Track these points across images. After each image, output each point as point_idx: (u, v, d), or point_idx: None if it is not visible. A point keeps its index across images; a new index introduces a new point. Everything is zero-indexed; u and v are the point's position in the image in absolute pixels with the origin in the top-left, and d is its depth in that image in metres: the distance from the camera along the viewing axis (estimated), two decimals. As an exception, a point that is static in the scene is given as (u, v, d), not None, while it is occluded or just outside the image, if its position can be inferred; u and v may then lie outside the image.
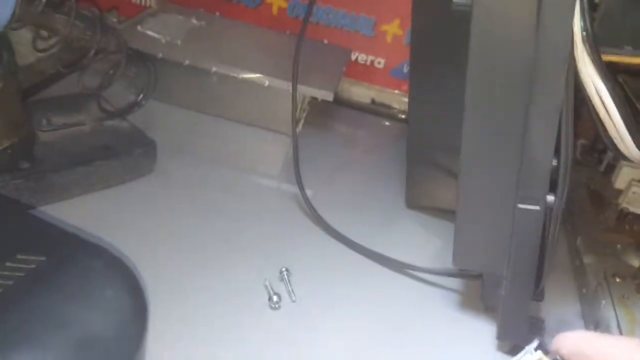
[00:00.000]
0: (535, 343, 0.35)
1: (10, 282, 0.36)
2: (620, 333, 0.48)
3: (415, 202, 0.64)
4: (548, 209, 0.42)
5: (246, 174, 0.66)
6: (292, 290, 0.52)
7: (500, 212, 0.44)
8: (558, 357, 0.33)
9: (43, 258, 0.38)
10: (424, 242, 0.60)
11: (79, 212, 0.53)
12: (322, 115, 0.76)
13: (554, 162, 0.41)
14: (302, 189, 0.60)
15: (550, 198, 0.42)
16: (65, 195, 0.54)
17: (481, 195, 0.43)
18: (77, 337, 0.35)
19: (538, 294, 0.50)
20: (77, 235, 0.41)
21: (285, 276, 0.52)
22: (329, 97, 0.68)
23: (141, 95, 0.65)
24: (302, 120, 0.73)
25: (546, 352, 0.34)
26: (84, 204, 0.55)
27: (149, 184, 0.60)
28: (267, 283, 0.52)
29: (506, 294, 0.46)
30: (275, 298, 0.50)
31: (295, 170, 0.60)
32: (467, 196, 0.44)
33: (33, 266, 0.38)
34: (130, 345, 0.37)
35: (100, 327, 0.36)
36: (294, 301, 0.51)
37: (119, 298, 0.38)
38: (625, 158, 0.40)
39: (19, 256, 0.38)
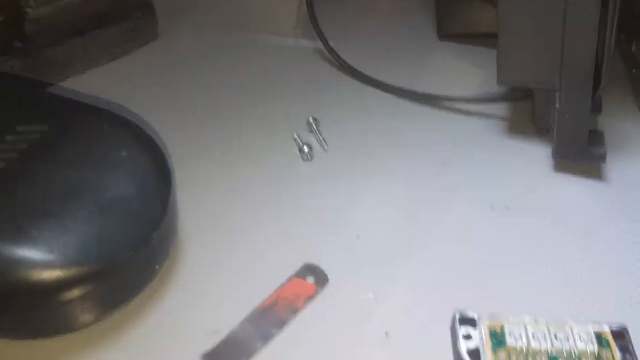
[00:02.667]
0: None
1: (14, 155, 0.33)
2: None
3: (447, 31, 0.57)
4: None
5: (259, 34, 0.60)
6: (324, 139, 0.48)
7: (549, 10, 0.38)
8: None
9: (46, 127, 0.35)
10: (461, 73, 0.55)
11: (86, 88, 0.49)
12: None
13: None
14: (321, 36, 0.55)
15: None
16: (68, 71, 0.50)
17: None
18: (94, 201, 0.32)
19: (595, 106, 0.45)
20: (81, 102, 0.38)
21: (314, 126, 0.48)
22: None
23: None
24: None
25: None
26: (90, 78, 0.51)
27: (155, 51, 0.56)
28: (296, 135, 0.48)
29: (561, 106, 0.41)
30: (305, 149, 0.46)
31: (311, 18, 0.54)
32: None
33: (37, 136, 0.34)
34: (155, 206, 0.34)
35: (119, 190, 0.33)
36: (326, 150, 0.47)
37: (136, 158, 0.34)
38: None
39: (19, 128, 0.34)
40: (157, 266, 0.35)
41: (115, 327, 0.35)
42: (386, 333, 0.36)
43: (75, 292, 0.32)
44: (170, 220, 0.35)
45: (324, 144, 0.47)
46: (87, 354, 0.34)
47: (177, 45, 0.57)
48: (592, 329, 0.33)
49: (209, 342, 0.35)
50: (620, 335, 0.33)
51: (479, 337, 0.33)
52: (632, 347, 0.33)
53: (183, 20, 0.60)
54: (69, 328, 0.34)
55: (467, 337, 0.33)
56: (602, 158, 0.43)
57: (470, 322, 0.34)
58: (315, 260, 0.39)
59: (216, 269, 0.39)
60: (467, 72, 0.55)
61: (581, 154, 0.43)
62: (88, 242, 0.32)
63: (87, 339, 0.35)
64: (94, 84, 0.51)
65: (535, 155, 0.47)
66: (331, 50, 0.55)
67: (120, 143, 0.35)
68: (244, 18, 0.63)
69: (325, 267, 0.39)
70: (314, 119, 0.49)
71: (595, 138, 0.43)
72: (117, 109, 0.38)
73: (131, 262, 0.32)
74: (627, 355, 0.32)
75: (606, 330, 0.33)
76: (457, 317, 0.34)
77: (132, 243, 0.32)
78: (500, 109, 0.50)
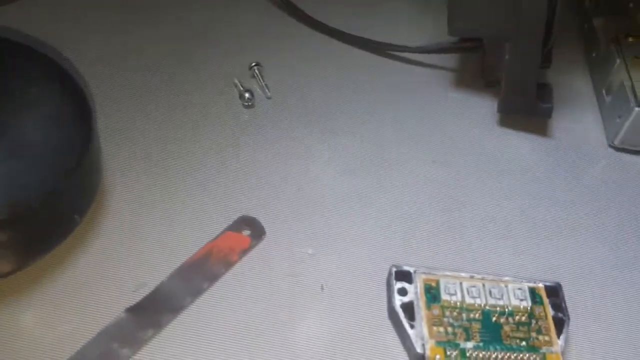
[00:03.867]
0: None
1: None
2: (635, 95, 0.43)
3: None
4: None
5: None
6: (266, 85, 0.45)
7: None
8: None
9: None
10: (410, 21, 0.53)
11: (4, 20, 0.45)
12: None
13: None
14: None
15: None
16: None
17: None
18: (4, 146, 0.29)
19: (545, 60, 0.44)
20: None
21: (257, 71, 0.46)
22: None
23: None
24: None
25: None
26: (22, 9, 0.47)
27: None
28: (237, 81, 0.45)
29: (511, 57, 0.40)
30: (247, 95, 0.44)
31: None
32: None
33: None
34: (73, 149, 0.31)
35: (32, 131, 0.30)
36: (269, 97, 0.45)
37: (54, 97, 0.31)
38: None
39: None
40: (76, 216, 0.32)
41: (35, 278, 0.33)
42: (322, 287, 0.35)
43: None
44: (89, 167, 0.32)
45: (267, 90, 0.45)
46: (5, 304, 0.32)
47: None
48: (526, 286, 0.33)
49: (135, 296, 0.33)
50: (554, 291, 0.33)
51: (413, 292, 0.33)
52: (565, 304, 0.33)
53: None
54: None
55: (402, 291, 0.33)
56: (549, 113, 0.42)
57: (406, 276, 0.33)
58: (253, 213, 0.38)
59: (145, 221, 0.37)
60: (415, 19, 0.53)
61: (528, 107, 0.42)
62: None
63: (5, 289, 0.32)
64: (17, 16, 0.47)
65: (482, 109, 0.46)
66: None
67: (36, 80, 0.31)
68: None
69: (263, 220, 0.37)
70: (257, 64, 0.46)
71: (543, 92, 0.42)
72: (36, 44, 0.34)
73: (43, 210, 0.30)
74: (559, 313, 0.32)
75: (540, 286, 0.33)
76: (393, 271, 0.34)
77: (45, 190, 0.30)
78: (450, 60, 0.49)
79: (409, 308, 0.32)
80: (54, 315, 0.32)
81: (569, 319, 0.32)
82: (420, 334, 0.31)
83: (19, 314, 0.32)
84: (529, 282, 0.34)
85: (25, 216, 0.29)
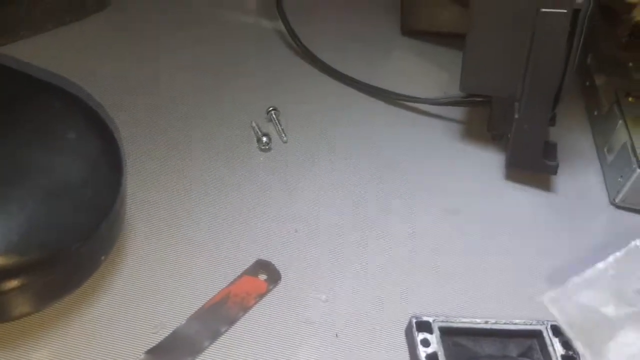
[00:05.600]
0: None
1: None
2: (635, 154, 0.45)
3: (411, 26, 0.57)
4: (575, 12, 0.36)
5: (218, 9, 0.58)
6: (283, 129, 0.47)
7: (520, 22, 0.38)
8: None
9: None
10: (422, 71, 0.55)
11: (29, 54, 0.46)
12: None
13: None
14: (285, 20, 0.53)
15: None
16: (12, 36, 0.47)
17: (499, 3, 0.37)
18: (42, 185, 0.30)
19: (551, 119, 0.46)
20: (28, 74, 0.35)
21: (274, 116, 0.47)
22: None
23: None
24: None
25: None
26: (35, 45, 0.48)
27: (106, 20, 0.53)
28: (254, 124, 0.47)
29: (521, 116, 0.42)
30: (264, 139, 0.45)
31: (277, 1, 0.53)
32: (483, 5, 0.38)
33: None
34: (105, 195, 0.32)
35: (68, 174, 0.31)
36: (285, 142, 0.46)
37: (88, 141, 0.32)
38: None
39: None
40: (103, 257, 0.33)
41: (56, 318, 0.34)
42: (336, 334, 0.36)
43: (15, 282, 0.30)
44: (119, 209, 0.33)
45: (283, 135, 0.46)
46: (25, 344, 0.33)
47: (128, 15, 0.54)
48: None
49: (154, 338, 0.34)
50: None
51: (435, 342, 0.34)
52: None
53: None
54: (6, 317, 0.32)
55: (425, 342, 0.34)
56: (554, 170, 0.44)
57: (426, 327, 0.34)
58: (268, 257, 0.39)
59: (164, 263, 0.37)
60: (426, 70, 0.55)
61: (535, 164, 0.44)
62: (32, 229, 0.30)
63: (26, 329, 0.33)
64: (38, 49, 0.48)
65: (488, 162, 0.47)
66: (293, 35, 0.53)
67: (71, 124, 0.32)
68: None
69: (279, 264, 0.38)
70: (274, 109, 0.47)
71: (549, 150, 0.44)
72: (67, 84, 0.35)
73: (77, 252, 0.31)
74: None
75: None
76: (414, 322, 0.35)
77: (79, 233, 0.31)
78: (457, 112, 0.51)
79: (433, 359, 0.33)
80: (69, 357, 0.33)
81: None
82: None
83: (33, 353, 0.32)
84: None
85: (58, 260, 0.30)
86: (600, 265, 0.31)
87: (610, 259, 0.32)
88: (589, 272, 0.31)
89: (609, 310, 0.29)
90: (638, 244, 0.32)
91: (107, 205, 0.32)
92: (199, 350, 0.34)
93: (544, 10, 0.36)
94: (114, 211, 0.33)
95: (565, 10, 0.36)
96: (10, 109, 0.33)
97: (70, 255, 0.31)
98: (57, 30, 0.50)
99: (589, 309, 0.29)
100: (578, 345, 0.28)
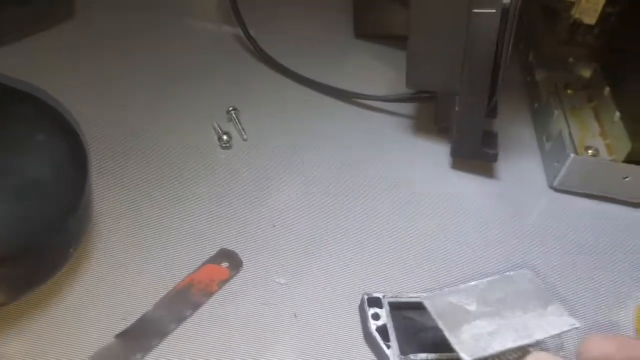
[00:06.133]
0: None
1: None
2: (572, 141, 0.48)
3: (364, 30, 0.60)
4: (504, 12, 0.40)
5: (179, 17, 0.61)
6: (242, 128, 0.49)
7: (455, 23, 0.41)
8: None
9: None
10: (374, 72, 0.58)
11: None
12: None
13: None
14: (242, 25, 0.56)
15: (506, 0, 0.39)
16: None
17: (434, 5, 0.41)
18: (13, 184, 0.33)
19: (491, 111, 0.49)
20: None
21: (234, 115, 0.50)
22: None
23: None
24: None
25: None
26: (1, 54, 0.50)
27: (70, 31, 0.55)
28: (215, 124, 0.49)
29: (460, 109, 0.45)
30: (225, 137, 0.48)
31: (233, 7, 0.56)
32: (420, 8, 0.41)
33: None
34: (72, 190, 0.35)
35: (35, 173, 0.33)
36: (245, 140, 0.49)
37: (53, 142, 0.35)
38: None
39: None
40: (71, 249, 0.35)
41: (28, 309, 0.36)
42: (295, 314, 0.38)
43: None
44: (85, 204, 0.36)
45: (243, 133, 0.49)
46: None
47: (92, 26, 0.57)
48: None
49: (123, 324, 0.36)
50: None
51: (385, 315, 0.37)
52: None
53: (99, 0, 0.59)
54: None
55: (375, 316, 0.37)
56: (494, 158, 0.47)
57: (377, 302, 0.38)
58: (231, 247, 0.41)
59: (131, 254, 0.40)
60: (379, 71, 0.58)
61: (476, 153, 0.47)
62: (4, 225, 0.32)
63: (-1, 320, 0.35)
64: (3, 61, 0.50)
65: (435, 153, 0.51)
66: (251, 39, 0.56)
67: (37, 126, 0.35)
68: None
69: (241, 253, 0.41)
70: (234, 109, 0.50)
71: (490, 139, 0.48)
72: (31, 89, 0.37)
73: (46, 246, 0.33)
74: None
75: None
76: (365, 298, 0.38)
77: (48, 226, 0.33)
78: (408, 108, 0.54)
79: (383, 330, 0.36)
80: (42, 345, 0.35)
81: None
82: (396, 352, 0.35)
83: (5, 345, 0.34)
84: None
85: (28, 254, 0.32)
86: (473, 282, 0.37)
87: (484, 280, 0.37)
88: (462, 286, 0.36)
89: (471, 307, 0.35)
90: (511, 273, 0.38)
91: (74, 200, 0.34)
92: (166, 333, 0.36)
93: (475, 10, 0.40)
94: (80, 206, 0.35)
95: (494, 10, 0.40)
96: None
97: (39, 250, 0.33)
98: (24, 40, 0.52)
99: (455, 305, 0.35)
100: (442, 326, 0.34)
